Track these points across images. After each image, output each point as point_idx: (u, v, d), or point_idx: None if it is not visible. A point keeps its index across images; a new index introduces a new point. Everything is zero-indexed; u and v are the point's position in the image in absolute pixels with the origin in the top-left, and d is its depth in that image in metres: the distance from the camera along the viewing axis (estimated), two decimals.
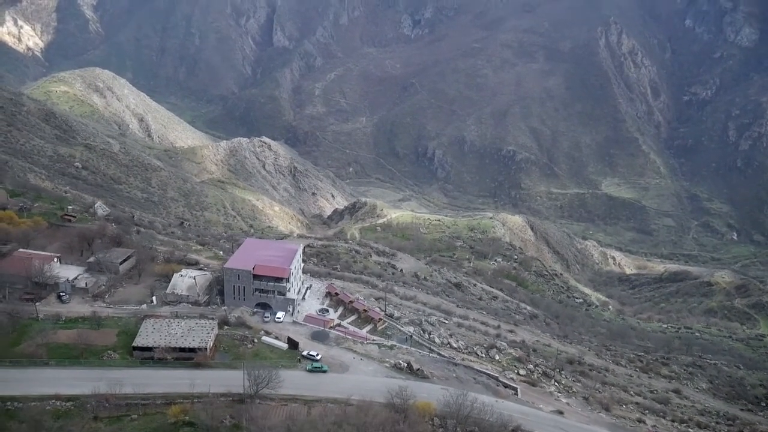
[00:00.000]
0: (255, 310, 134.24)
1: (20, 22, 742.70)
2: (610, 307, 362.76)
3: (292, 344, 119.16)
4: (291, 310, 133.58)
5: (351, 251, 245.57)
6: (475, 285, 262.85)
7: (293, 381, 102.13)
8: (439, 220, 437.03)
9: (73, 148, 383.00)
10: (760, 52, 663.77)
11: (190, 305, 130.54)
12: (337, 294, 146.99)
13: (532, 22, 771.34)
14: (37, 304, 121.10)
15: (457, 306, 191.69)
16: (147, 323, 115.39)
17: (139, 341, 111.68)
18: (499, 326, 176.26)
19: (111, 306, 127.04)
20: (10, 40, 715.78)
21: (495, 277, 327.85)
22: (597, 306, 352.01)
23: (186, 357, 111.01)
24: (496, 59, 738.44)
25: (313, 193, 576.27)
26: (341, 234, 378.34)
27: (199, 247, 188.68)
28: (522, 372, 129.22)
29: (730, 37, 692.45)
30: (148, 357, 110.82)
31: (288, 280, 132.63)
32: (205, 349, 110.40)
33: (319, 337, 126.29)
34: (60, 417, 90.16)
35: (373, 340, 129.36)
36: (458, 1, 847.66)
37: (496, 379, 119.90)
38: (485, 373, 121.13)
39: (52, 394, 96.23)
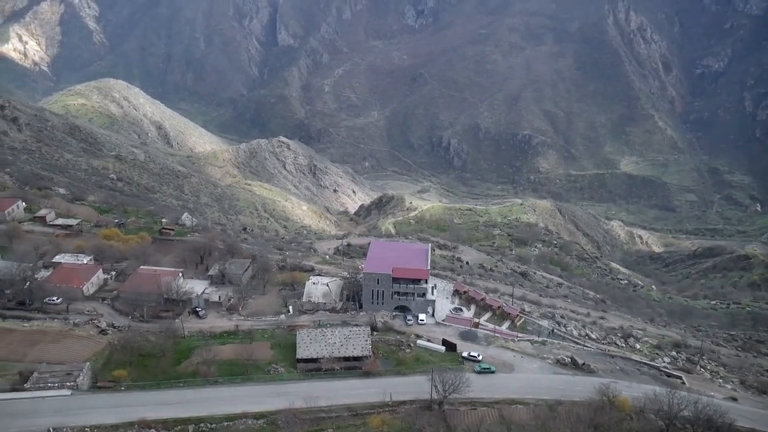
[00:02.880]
0: (394, 313, 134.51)
1: (25, 38, 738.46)
2: (653, 287, 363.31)
3: (450, 346, 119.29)
4: (431, 311, 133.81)
5: None
6: (535, 273, 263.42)
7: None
8: (470, 209, 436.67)
9: (105, 161, 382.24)
10: None
11: (327, 313, 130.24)
12: (466, 292, 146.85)
13: (537, 4, 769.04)
14: (176, 321, 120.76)
15: (540, 296, 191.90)
16: (302, 334, 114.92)
17: (302, 353, 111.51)
18: (588, 313, 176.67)
19: (249, 318, 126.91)
20: (16, 57, 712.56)
21: (539, 263, 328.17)
22: (643, 287, 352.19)
23: (351, 366, 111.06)
24: (504, 44, 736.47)
25: (335, 190, 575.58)
26: (375, 229, 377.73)
27: (276, 251, 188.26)
28: (666, 359, 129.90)
29: (739, 7, 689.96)
30: (313, 368, 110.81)
31: (426, 281, 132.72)
32: (369, 356, 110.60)
33: (468, 336, 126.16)
34: None
35: (521, 336, 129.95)
36: None
37: (658, 368, 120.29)
38: (645, 363, 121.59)
39: (240, 412, 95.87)
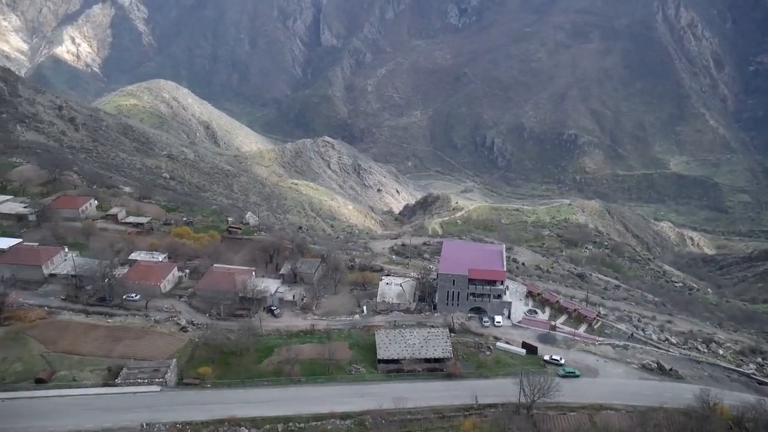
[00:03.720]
0: (469, 315, 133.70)
1: (78, 40, 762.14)
2: (708, 290, 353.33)
3: (531, 349, 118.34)
4: (507, 313, 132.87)
5: None
6: (590, 274, 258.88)
7: None
8: (517, 210, 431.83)
9: (158, 160, 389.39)
10: None
11: (402, 313, 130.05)
12: (540, 294, 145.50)
13: (584, 1, 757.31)
14: (252, 319, 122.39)
15: (603, 298, 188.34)
16: (381, 335, 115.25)
17: (382, 354, 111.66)
18: (654, 317, 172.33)
19: (324, 318, 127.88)
20: (69, 59, 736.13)
21: (590, 264, 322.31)
22: (698, 290, 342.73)
23: (433, 368, 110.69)
24: (549, 42, 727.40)
25: (379, 190, 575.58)
26: (422, 229, 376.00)
27: (338, 251, 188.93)
28: (752, 366, 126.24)
29: None
30: (394, 369, 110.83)
31: (503, 282, 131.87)
32: (450, 358, 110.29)
33: (547, 339, 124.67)
34: None
35: (600, 340, 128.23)
36: None
37: (748, 376, 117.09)
38: (734, 370, 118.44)
39: (326, 412, 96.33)
